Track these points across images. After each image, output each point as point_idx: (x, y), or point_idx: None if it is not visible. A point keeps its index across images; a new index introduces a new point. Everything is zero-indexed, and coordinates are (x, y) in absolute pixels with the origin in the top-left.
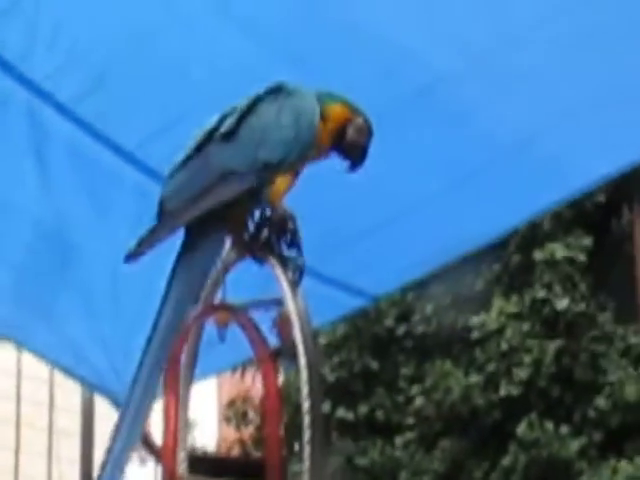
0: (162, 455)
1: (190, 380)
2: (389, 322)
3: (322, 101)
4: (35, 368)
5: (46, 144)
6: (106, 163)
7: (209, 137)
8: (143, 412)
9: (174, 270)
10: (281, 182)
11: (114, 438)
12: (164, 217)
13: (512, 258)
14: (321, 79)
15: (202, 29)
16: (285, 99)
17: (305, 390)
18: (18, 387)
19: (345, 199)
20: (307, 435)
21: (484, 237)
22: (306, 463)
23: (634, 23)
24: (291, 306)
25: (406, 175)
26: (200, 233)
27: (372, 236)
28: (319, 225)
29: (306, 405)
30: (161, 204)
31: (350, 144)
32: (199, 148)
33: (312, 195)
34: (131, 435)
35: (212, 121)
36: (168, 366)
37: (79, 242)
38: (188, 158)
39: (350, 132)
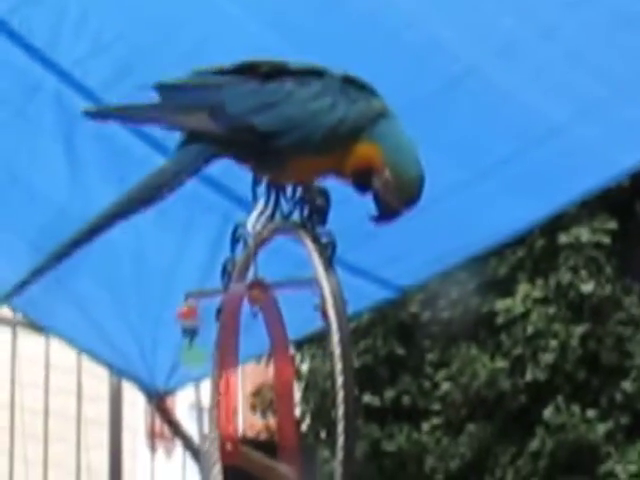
0: (219, 424)
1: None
2: (414, 308)
3: (364, 132)
4: (63, 357)
5: (74, 130)
6: (133, 149)
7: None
8: None
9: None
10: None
11: None
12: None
13: (536, 242)
14: (348, 70)
15: (227, 18)
16: (345, 94)
17: (340, 380)
18: (46, 376)
19: None
20: (340, 426)
21: (512, 228)
22: (339, 453)
23: None
24: (325, 285)
25: (434, 165)
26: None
27: (400, 227)
28: (346, 216)
29: (340, 395)
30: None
31: (377, 194)
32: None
33: (340, 186)
34: None
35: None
36: (221, 342)
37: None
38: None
39: (376, 181)
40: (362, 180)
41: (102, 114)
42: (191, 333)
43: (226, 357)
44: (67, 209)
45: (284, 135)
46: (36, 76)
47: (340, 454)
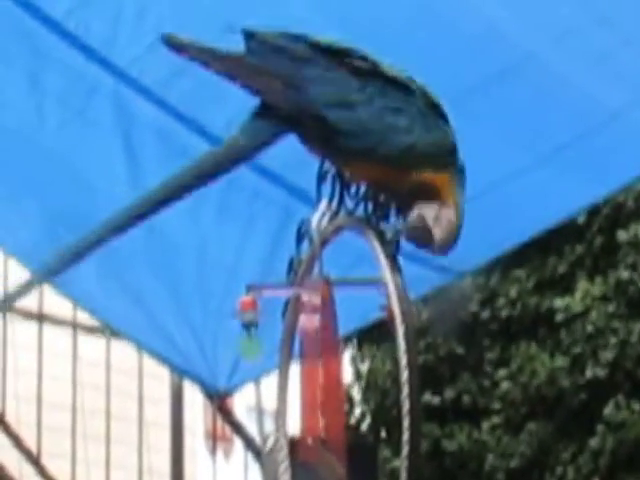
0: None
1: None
2: (474, 306)
3: (436, 160)
4: (124, 359)
5: (133, 129)
6: (192, 146)
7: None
8: None
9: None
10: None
11: None
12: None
13: (595, 240)
14: (408, 58)
15: (286, 13)
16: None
17: (404, 375)
18: (107, 378)
19: None
20: (406, 421)
21: (569, 211)
22: (404, 448)
23: None
24: (389, 280)
25: (493, 150)
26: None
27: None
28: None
29: (405, 390)
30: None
31: (422, 219)
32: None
33: None
34: None
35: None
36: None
37: (166, 227)
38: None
39: (430, 209)
40: (410, 200)
41: (179, 46)
42: (250, 325)
43: (309, 353)
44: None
45: (352, 138)
46: (94, 76)
47: (405, 449)
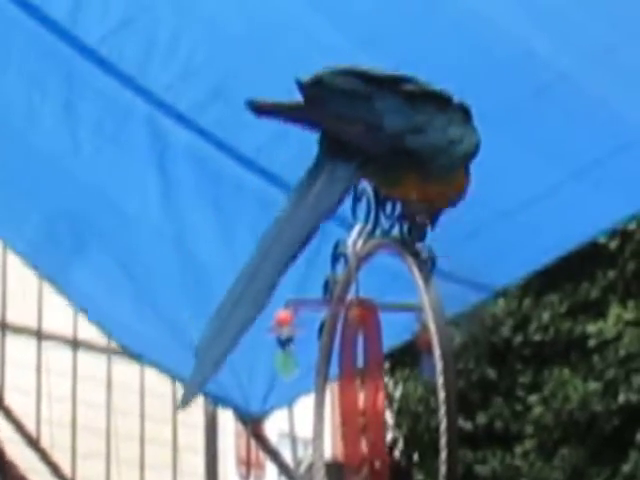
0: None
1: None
2: (506, 331)
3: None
4: (157, 384)
5: (167, 154)
6: (227, 170)
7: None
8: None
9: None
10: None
11: None
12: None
13: (628, 265)
14: (440, 77)
15: (318, 37)
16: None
17: (442, 395)
18: (141, 403)
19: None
20: (443, 453)
21: (602, 226)
22: (442, 468)
23: None
24: (428, 305)
25: (526, 167)
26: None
27: (492, 229)
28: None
29: (442, 411)
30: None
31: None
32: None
33: None
34: None
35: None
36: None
37: (200, 251)
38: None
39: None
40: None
41: (263, 108)
42: (286, 341)
43: (372, 376)
44: (162, 232)
45: (427, 161)
46: (128, 102)
47: (443, 468)
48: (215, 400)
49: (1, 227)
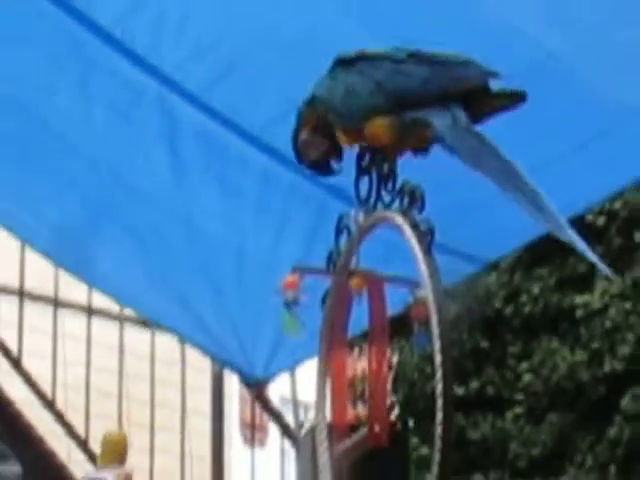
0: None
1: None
2: (497, 303)
3: None
4: (168, 351)
5: (177, 132)
6: (233, 148)
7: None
8: None
9: None
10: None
11: None
12: None
13: (613, 241)
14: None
15: (324, 19)
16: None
17: (438, 359)
18: (152, 369)
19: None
20: (439, 416)
21: (588, 201)
22: (438, 428)
23: None
24: (427, 277)
25: (515, 145)
26: None
27: (484, 205)
28: (435, 196)
29: (439, 386)
30: None
31: None
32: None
33: (429, 167)
34: None
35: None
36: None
37: (207, 225)
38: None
39: None
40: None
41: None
42: (292, 304)
43: (376, 348)
44: (171, 208)
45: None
46: (139, 82)
47: (438, 443)
48: (221, 363)
49: (20, 212)
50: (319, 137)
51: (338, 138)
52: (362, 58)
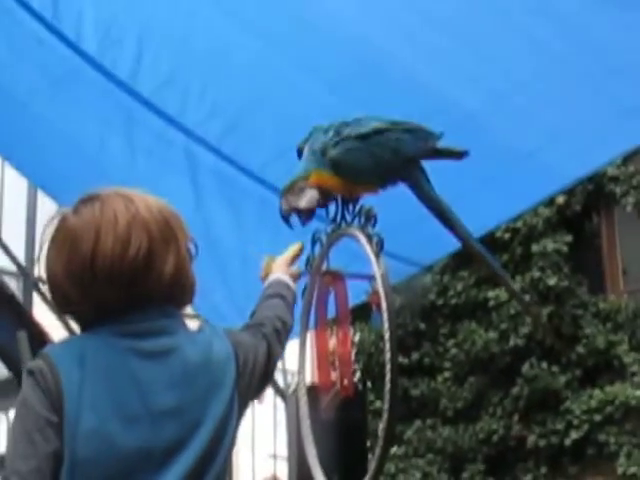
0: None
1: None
2: (432, 296)
3: None
4: None
5: (198, 172)
6: (240, 182)
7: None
8: None
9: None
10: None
11: None
12: None
13: (516, 250)
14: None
15: (303, 92)
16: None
17: (387, 345)
18: None
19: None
20: (387, 377)
21: (498, 221)
22: (387, 386)
23: None
24: (378, 275)
25: (441, 176)
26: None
27: (423, 222)
28: (385, 215)
29: (388, 355)
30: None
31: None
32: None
33: (382, 194)
34: None
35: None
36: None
37: (220, 237)
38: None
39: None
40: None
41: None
42: None
43: (342, 325)
44: (194, 228)
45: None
46: (170, 135)
47: (388, 398)
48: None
49: None
50: (319, 192)
51: (332, 190)
52: (377, 132)
